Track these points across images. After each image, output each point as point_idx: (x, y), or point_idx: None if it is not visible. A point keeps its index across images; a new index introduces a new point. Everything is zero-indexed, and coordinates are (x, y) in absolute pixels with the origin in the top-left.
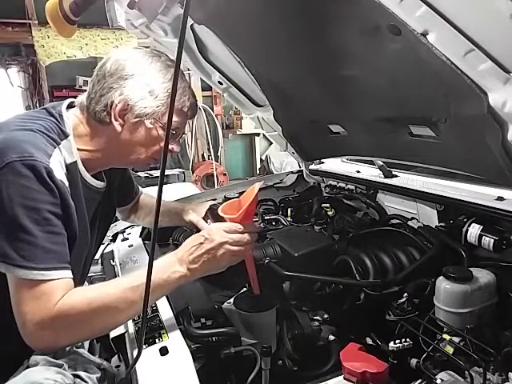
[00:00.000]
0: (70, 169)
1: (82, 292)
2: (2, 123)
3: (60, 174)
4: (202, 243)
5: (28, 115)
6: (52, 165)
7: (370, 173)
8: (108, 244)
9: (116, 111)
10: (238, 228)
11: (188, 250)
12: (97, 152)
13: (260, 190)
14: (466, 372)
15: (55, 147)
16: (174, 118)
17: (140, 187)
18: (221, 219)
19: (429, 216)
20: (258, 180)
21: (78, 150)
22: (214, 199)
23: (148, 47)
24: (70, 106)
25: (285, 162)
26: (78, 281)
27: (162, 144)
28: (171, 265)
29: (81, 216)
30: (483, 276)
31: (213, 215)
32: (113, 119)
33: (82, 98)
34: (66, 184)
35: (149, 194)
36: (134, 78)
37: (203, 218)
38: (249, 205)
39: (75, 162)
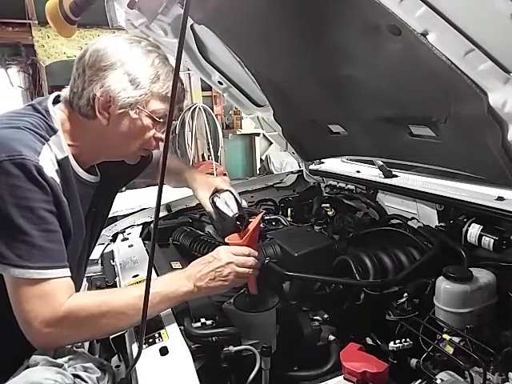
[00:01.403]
0: (62, 164)
1: (92, 294)
2: None
3: (50, 171)
4: (210, 262)
5: (14, 113)
6: (42, 162)
7: (370, 173)
8: (108, 244)
9: (99, 104)
10: (244, 251)
11: (196, 267)
12: (86, 147)
13: (260, 189)
14: (466, 372)
15: (44, 144)
16: (161, 106)
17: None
18: (218, 207)
19: (429, 216)
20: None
21: (68, 145)
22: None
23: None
24: (57, 100)
25: (285, 161)
26: (75, 276)
27: (151, 133)
28: (179, 280)
29: (75, 211)
30: (483, 276)
31: (213, 202)
32: (97, 113)
33: (66, 93)
34: (57, 181)
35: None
36: (114, 68)
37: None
38: (253, 230)
39: (66, 157)
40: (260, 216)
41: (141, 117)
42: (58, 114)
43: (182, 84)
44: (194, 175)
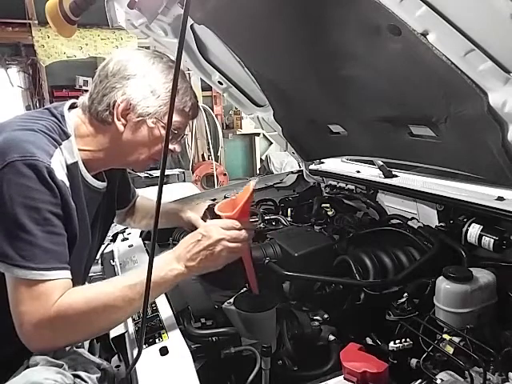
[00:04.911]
0: (71, 169)
1: (79, 291)
2: (4, 123)
3: (61, 174)
4: (199, 240)
5: (30, 115)
6: (53, 165)
7: (370, 173)
8: (108, 244)
9: (118, 111)
10: (235, 225)
11: (185, 247)
12: (99, 152)
13: (260, 189)
14: (466, 372)
15: (56, 147)
16: (176, 118)
17: (136, 190)
18: (219, 218)
19: (429, 216)
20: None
21: (80, 150)
22: (214, 199)
23: (148, 47)
24: (72, 106)
25: (285, 162)
26: (79, 281)
27: (163, 144)
28: (169, 262)
29: (82, 216)
30: (483, 276)
31: (211, 214)
32: (115, 119)
33: (83, 99)
34: (67, 184)
35: (145, 196)
36: (137, 78)
37: (202, 218)
38: (245, 202)
39: (76, 162)
40: (252, 186)
41: (157, 126)
42: (73, 120)
43: (197, 100)
44: (181, 205)
